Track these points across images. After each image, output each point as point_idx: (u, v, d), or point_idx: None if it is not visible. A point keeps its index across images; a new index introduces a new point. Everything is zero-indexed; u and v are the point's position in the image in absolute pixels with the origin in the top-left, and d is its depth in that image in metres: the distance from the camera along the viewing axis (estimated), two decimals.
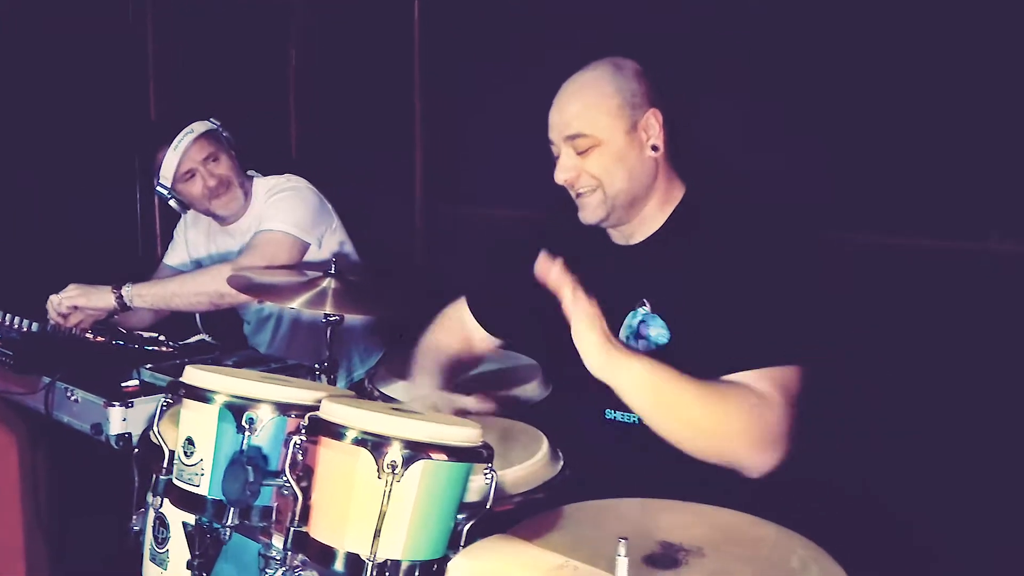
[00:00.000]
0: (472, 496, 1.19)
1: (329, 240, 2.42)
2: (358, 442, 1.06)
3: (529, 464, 1.40)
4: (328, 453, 1.10)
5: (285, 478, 1.12)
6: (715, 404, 1.37)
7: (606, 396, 1.58)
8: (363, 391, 2.11)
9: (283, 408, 1.21)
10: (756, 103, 2.08)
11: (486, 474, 1.14)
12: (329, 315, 1.93)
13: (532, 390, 1.93)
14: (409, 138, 2.86)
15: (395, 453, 1.05)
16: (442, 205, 2.85)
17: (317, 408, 1.14)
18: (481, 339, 1.86)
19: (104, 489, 1.74)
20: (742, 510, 1.29)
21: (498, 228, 2.58)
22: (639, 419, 1.55)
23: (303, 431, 1.11)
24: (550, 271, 1.36)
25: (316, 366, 1.97)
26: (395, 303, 2.08)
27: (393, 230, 2.86)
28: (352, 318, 2.26)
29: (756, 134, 2.09)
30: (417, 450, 1.05)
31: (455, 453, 1.08)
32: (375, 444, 1.05)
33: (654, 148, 1.58)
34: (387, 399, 1.97)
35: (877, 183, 1.95)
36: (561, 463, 1.44)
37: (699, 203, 1.61)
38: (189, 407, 1.24)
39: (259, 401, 1.21)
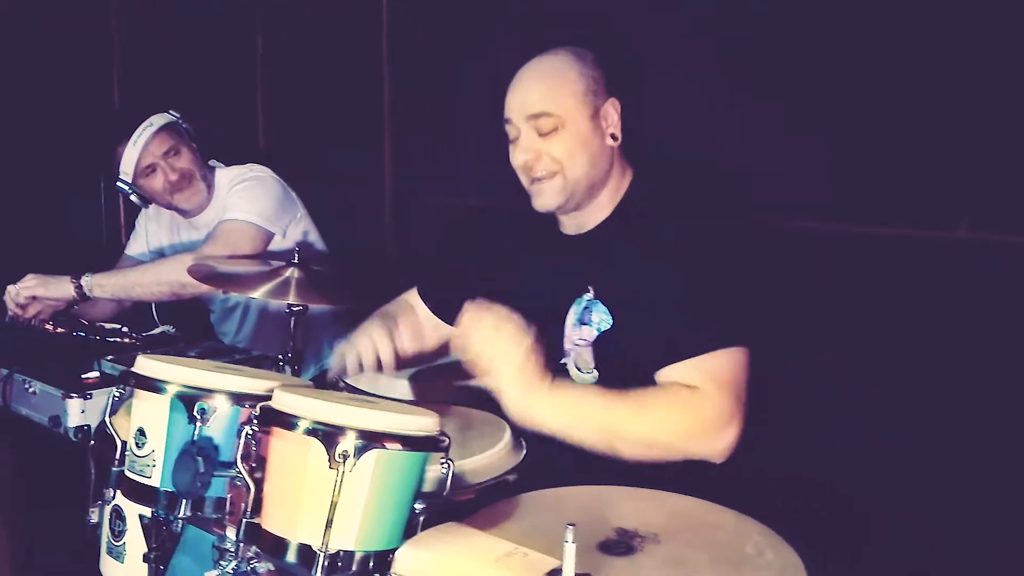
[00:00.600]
0: (430, 486, 1.17)
1: (294, 230, 2.40)
2: (310, 432, 1.04)
3: (490, 453, 1.39)
4: (280, 443, 1.08)
5: (238, 469, 1.10)
6: (648, 414, 1.38)
7: (565, 377, 1.59)
8: (329, 382, 2.09)
9: (236, 398, 1.19)
10: (723, 89, 2.07)
11: (443, 464, 1.13)
12: (293, 305, 1.91)
13: None
14: (378, 126, 2.83)
15: (348, 443, 1.03)
16: (412, 194, 2.82)
17: (270, 398, 1.12)
18: (432, 327, 1.84)
19: (67, 482, 1.71)
20: (702, 496, 1.29)
21: (468, 217, 2.56)
22: None
23: (255, 421, 1.10)
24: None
25: (280, 357, 1.95)
26: (361, 293, 2.06)
27: (363, 219, 2.84)
28: (321, 307, 2.24)
29: (721, 123, 2.08)
30: (370, 440, 1.04)
31: (410, 442, 1.07)
32: (326, 434, 1.03)
33: (613, 137, 1.57)
34: (353, 390, 1.95)
35: (846, 172, 1.94)
36: (524, 452, 1.44)
37: (644, 191, 1.61)
38: (141, 397, 1.22)
39: (211, 391, 1.19)
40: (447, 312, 1.82)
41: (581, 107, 1.54)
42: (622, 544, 1.10)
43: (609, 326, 1.56)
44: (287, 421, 1.06)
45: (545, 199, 1.57)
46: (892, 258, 1.90)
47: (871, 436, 1.84)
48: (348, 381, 2.00)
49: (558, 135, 1.53)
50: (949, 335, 1.81)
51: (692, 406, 1.39)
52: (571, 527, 0.81)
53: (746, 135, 2.04)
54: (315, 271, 1.96)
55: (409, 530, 1.13)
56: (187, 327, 2.38)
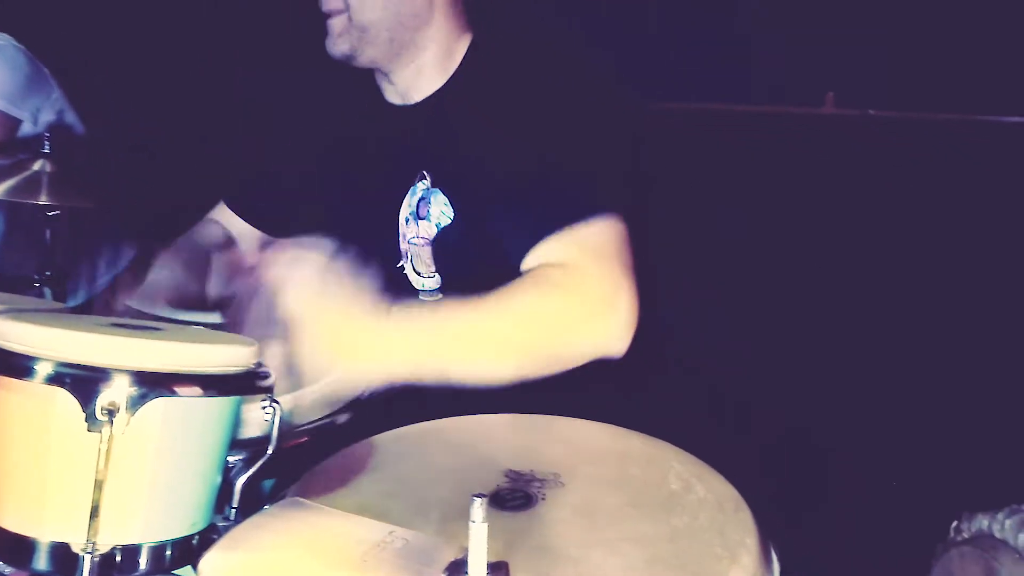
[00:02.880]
0: (254, 432, 0.87)
1: (47, 114, 1.92)
2: (53, 379, 0.69)
3: (331, 381, 1.09)
4: (9, 398, 0.72)
5: None
6: (517, 311, 1.07)
7: (404, 283, 1.31)
8: (108, 307, 1.69)
9: None
10: None
11: (265, 407, 0.82)
12: (47, 208, 1.50)
13: None
14: None
15: (115, 392, 0.70)
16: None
17: None
18: (250, 239, 1.47)
19: None
20: (592, 417, 1.05)
21: (278, 90, 2.16)
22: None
23: None
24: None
25: (36, 277, 1.54)
26: (139, 190, 1.65)
27: (141, 97, 2.32)
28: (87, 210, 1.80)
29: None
30: (152, 384, 0.71)
31: (215, 383, 0.75)
32: (80, 380, 0.69)
33: None
34: (139, 316, 1.57)
35: (709, 50, 1.85)
36: None
37: (486, 57, 1.31)
38: None
39: None
40: (263, 215, 1.47)
41: None
42: (518, 493, 0.84)
43: (451, 220, 1.26)
44: (16, 364, 0.70)
45: (330, 40, 1.28)
46: (761, 134, 1.80)
47: (765, 321, 1.73)
48: (136, 305, 1.63)
49: None
50: (822, 206, 1.75)
51: (569, 284, 1.10)
52: (480, 499, 0.53)
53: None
54: (74, 164, 1.55)
55: (222, 499, 0.83)
56: None
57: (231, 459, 0.93)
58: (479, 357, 1.03)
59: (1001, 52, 1.89)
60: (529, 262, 1.16)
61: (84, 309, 1.75)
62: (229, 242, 1.47)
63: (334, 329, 0.96)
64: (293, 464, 0.98)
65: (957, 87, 1.86)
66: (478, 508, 0.52)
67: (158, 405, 0.71)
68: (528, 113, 1.21)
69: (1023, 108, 1.93)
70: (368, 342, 0.98)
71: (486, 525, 0.52)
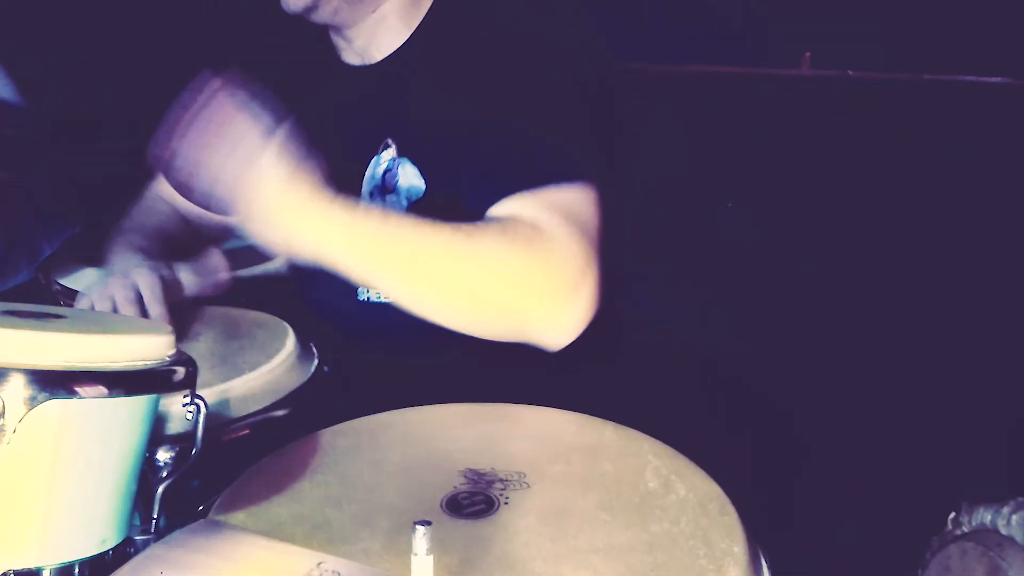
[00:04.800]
0: (179, 427, 0.82)
1: None
2: None
3: (266, 369, 1.00)
4: None
5: None
6: (477, 248, 0.96)
7: None
8: (39, 287, 1.58)
9: None
10: None
11: (187, 405, 0.72)
12: None
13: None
14: None
15: (4, 392, 0.59)
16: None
17: None
18: (197, 215, 1.36)
19: None
20: (554, 404, 0.96)
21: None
22: None
23: None
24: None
25: None
26: (79, 158, 1.53)
27: (81, 69, 2.17)
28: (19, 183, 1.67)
29: None
30: (46, 384, 0.61)
31: (121, 381, 0.65)
32: None
33: None
34: (70, 294, 1.45)
35: (685, 10, 1.81)
36: (315, 363, 1.06)
37: (453, 9, 1.19)
38: None
39: None
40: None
41: None
42: (479, 497, 0.75)
43: (423, 192, 1.16)
44: None
45: None
46: (738, 95, 1.73)
47: (741, 293, 1.65)
48: (64, 283, 1.52)
49: None
50: (799, 168, 1.71)
51: (537, 242, 0.97)
52: (423, 528, 0.44)
53: None
54: (5, 133, 1.42)
55: (143, 509, 0.75)
56: None
57: (161, 458, 0.85)
58: (421, 283, 0.94)
59: (981, 12, 1.83)
60: (496, 211, 1.02)
61: (22, 290, 1.63)
62: (185, 225, 1.35)
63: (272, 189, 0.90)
64: (232, 462, 0.89)
65: (937, 47, 1.80)
66: (421, 538, 0.43)
67: (53, 407, 0.61)
68: (500, 72, 1.08)
69: (1003, 68, 1.88)
70: (304, 213, 0.92)
71: (431, 558, 0.43)
